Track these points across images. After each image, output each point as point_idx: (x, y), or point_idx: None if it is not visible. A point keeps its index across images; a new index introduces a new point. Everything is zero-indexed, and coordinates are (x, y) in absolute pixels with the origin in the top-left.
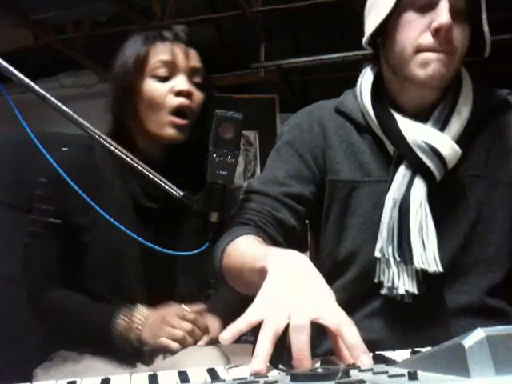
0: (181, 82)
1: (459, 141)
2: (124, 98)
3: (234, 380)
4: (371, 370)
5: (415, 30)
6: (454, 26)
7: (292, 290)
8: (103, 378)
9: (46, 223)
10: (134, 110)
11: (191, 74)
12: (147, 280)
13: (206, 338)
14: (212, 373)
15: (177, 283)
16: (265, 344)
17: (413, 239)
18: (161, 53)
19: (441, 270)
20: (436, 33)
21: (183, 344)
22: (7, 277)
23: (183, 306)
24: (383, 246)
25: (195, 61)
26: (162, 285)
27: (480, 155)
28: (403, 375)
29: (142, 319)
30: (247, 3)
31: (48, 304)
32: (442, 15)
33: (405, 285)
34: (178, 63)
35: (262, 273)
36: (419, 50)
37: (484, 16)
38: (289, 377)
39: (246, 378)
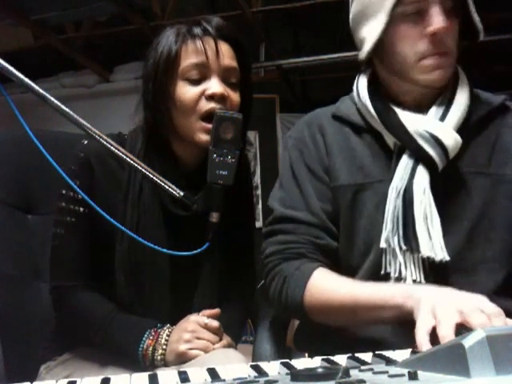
0: (213, 85)
1: (460, 132)
2: (155, 101)
3: (234, 380)
4: (371, 369)
5: (412, 40)
6: (446, 27)
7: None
8: (103, 377)
9: (74, 212)
10: (167, 112)
11: (225, 74)
12: (171, 282)
13: (221, 343)
14: (212, 372)
15: (196, 291)
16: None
17: (418, 227)
18: (192, 54)
19: (447, 258)
20: (432, 37)
21: (207, 351)
22: (7, 277)
23: (200, 314)
24: (389, 236)
25: (229, 59)
26: (183, 289)
27: (483, 153)
28: (403, 375)
29: (168, 339)
30: (247, 3)
31: (74, 306)
32: (437, 20)
33: (412, 275)
34: (210, 64)
35: (400, 309)
36: (421, 57)
37: (471, 8)
38: (289, 376)
39: (246, 378)
